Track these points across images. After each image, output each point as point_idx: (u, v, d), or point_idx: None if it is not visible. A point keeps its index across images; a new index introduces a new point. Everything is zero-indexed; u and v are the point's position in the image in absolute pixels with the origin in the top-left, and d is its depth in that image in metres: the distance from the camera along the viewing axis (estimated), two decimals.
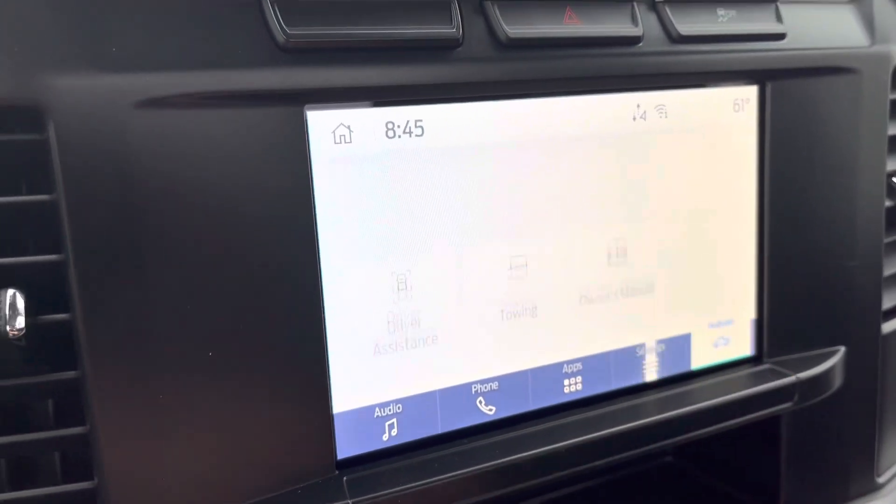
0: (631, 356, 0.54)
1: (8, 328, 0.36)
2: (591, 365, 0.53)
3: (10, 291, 0.36)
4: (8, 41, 0.36)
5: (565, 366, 0.52)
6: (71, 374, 0.38)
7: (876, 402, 0.64)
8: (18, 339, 0.36)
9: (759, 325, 0.59)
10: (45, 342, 0.38)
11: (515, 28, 0.45)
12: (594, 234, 0.51)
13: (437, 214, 0.46)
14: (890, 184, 0.64)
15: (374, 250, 0.44)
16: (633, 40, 0.49)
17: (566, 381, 0.52)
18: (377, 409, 0.46)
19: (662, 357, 0.55)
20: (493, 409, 0.50)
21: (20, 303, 0.36)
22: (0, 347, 0.36)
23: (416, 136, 0.45)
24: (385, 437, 0.47)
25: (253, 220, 0.40)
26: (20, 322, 0.36)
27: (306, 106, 0.41)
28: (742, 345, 0.59)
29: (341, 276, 0.44)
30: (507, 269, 0.48)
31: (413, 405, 0.47)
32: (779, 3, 0.55)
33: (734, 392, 0.55)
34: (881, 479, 0.66)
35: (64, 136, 0.36)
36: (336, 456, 0.45)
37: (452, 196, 0.46)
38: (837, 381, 0.60)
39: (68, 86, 0.36)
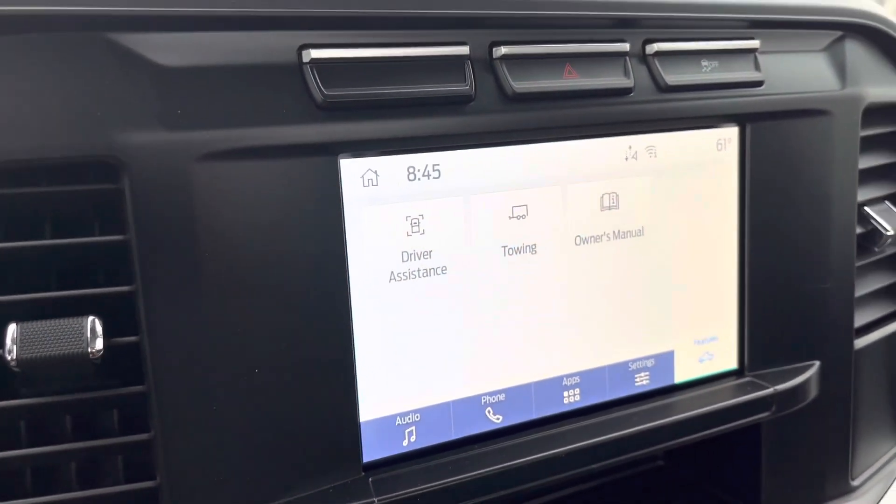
0: (624, 370, 0.60)
1: (89, 350, 0.42)
2: (587, 378, 0.59)
3: (91, 318, 0.42)
4: (89, 103, 0.42)
5: (565, 379, 0.58)
6: (138, 388, 0.44)
7: (850, 412, 0.70)
8: (96, 359, 0.42)
9: (741, 341, 0.65)
10: (116, 361, 0.44)
11: (521, 83, 0.52)
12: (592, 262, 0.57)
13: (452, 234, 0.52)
14: (861, 212, 0.70)
15: (396, 274, 0.51)
16: (626, 91, 0.56)
17: (566, 393, 0.58)
18: (398, 417, 0.52)
19: (652, 371, 0.62)
20: (500, 417, 0.56)
21: (99, 328, 0.42)
22: (80, 366, 0.42)
23: (434, 178, 0.51)
24: (405, 442, 0.53)
25: (294, 254, 0.46)
26: (99, 344, 0.42)
27: (340, 155, 0.48)
28: (725, 360, 0.65)
29: (369, 299, 0.50)
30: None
31: (429, 414, 0.53)
32: (757, 53, 0.61)
33: (717, 402, 0.61)
34: (855, 482, 0.72)
35: (136, 185, 0.42)
36: (363, 459, 0.51)
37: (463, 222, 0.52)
38: (813, 393, 0.66)
39: (140, 142, 0.42)
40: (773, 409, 0.63)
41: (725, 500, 0.71)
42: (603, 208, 0.57)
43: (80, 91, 0.42)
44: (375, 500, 0.48)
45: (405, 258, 0.51)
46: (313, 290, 0.47)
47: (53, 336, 0.41)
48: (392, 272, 0.51)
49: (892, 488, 0.75)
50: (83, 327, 0.42)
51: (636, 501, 0.72)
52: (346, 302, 0.49)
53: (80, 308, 0.43)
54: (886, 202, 0.73)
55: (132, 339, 0.44)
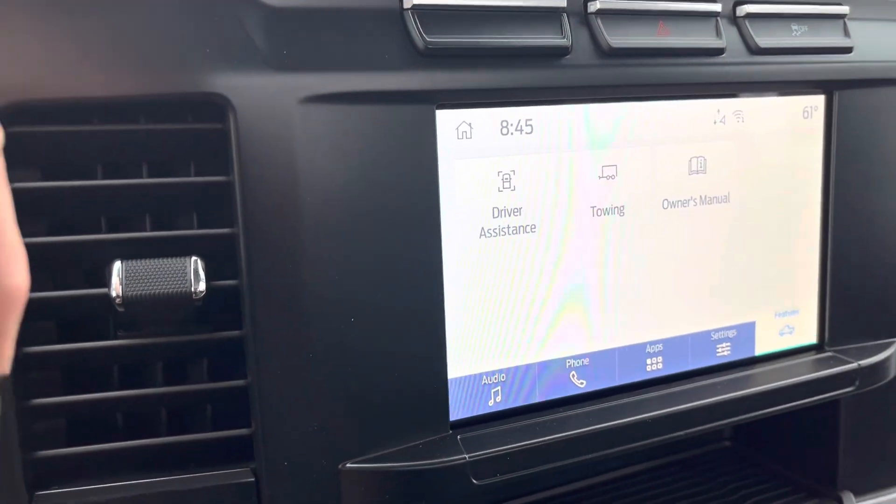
0: (706, 339, 0.59)
1: (192, 290, 0.41)
2: (670, 346, 0.58)
3: (194, 258, 0.42)
4: (198, 41, 0.42)
5: (648, 346, 0.57)
6: (236, 332, 0.44)
7: None
8: (198, 300, 0.42)
9: (822, 315, 0.64)
10: (212, 307, 0.44)
11: (616, 38, 0.51)
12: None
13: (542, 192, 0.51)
14: None
15: (487, 230, 0.50)
16: (718, 51, 0.55)
17: (648, 360, 0.57)
18: (485, 376, 0.51)
19: (734, 342, 0.60)
20: (584, 382, 0.55)
21: (201, 269, 0.42)
22: (182, 307, 0.42)
23: (527, 132, 0.50)
24: (491, 402, 0.52)
25: (390, 204, 0.46)
26: (202, 285, 0.42)
27: (436, 105, 0.47)
28: (806, 334, 0.64)
29: (460, 254, 0.49)
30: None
31: (515, 375, 0.52)
32: (846, 20, 0.60)
33: (800, 375, 0.60)
34: None
35: (241, 125, 0.42)
36: (450, 417, 0.50)
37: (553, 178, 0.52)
38: (894, 370, 0.65)
39: (247, 83, 0.42)
40: (857, 384, 0.61)
41: (797, 481, 0.69)
42: (691, 172, 0.56)
43: (188, 28, 0.41)
44: (466, 457, 0.47)
45: (496, 214, 0.50)
46: (407, 241, 0.47)
47: (158, 275, 0.41)
48: (483, 228, 0.50)
49: None
50: (187, 267, 0.41)
51: (705, 481, 0.71)
52: (439, 255, 0.48)
53: (179, 250, 0.43)
54: None
55: (232, 282, 0.43)
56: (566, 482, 0.69)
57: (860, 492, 0.66)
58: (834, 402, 0.65)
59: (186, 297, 0.41)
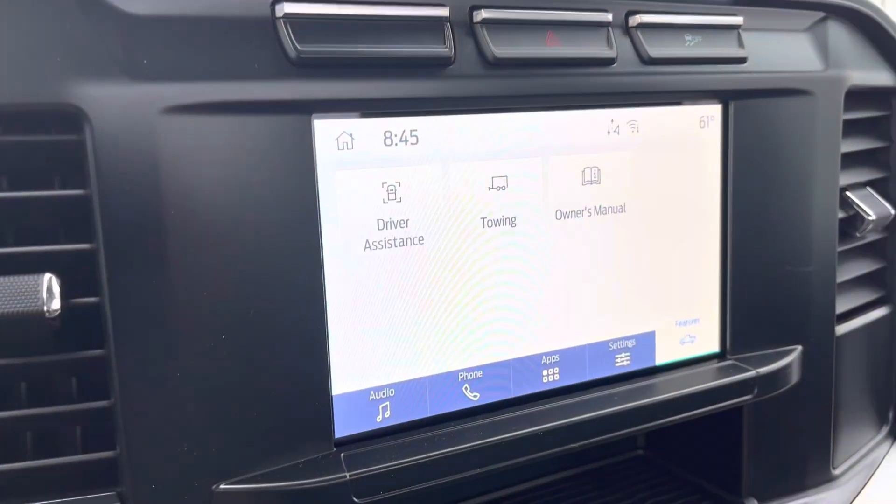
0: (604, 350, 0.59)
1: (45, 309, 0.40)
2: (567, 357, 0.57)
3: (48, 276, 0.40)
4: (50, 49, 0.40)
5: (544, 357, 0.56)
6: (98, 352, 0.42)
7: (831, 399, 0.69)
8: (53, 319, 0.40)
9: (723, 323, 0.64)
10: (75, 323, 0.42)
11: (501, 48, 0.50)
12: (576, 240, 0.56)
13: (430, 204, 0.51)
14: (843, 197, 0.69)
15: (371, 243, 0.49)
16: (608, 61, 0.55)
17: (545, 372, 0.57)
18: (372, 392, 0.50)
19: (633, 352, 0.60)
20: (478, 395, 0.54)
21: (56, 287, 0.40)
22: (36, 327, 0.40)
23: (412, 144, 0.50)
24: (379, 418, 0.51)
25: (264, 216, 0.45)
26: (56, 304, 0.40)
27: (313, 115, 0.46)
28: (707, 342, 0.64)
29: (343, 267, 0.48)
30: None
31: (405, 390, 0.52)
32: (741, 31, 0.61)
33: (699, 384, 0.60)
34: (837, 471, 0.71)
35: (99, 137, 0.40)
36: (334, 435, 0.49)
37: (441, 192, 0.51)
38: (794, 377, 0.65)
39: (103, 92, 0.40)
40: (756, 392, 0.62)
41: (705, 488, 0.70)
42: (584, 182, 0.56)
43: (41, 36, 0.40)
44: (347, 475, 0.46)
45: (381, 226, 0.49)
46: (284, 255, 0.46)
47: (7, 293, 0.39)
48: (367, 240, 0.49)
49: (873, 478, 0.74)
50: (39, 285, 0.40)
51: (616, 490, 0.71)
52: (319, 269, 0.47)
53: (38, 267, 0.41)
54: (868, 188, 0.73)
55: (92, 300, 0.42)
56: (477, 494, 0.69)
57: (764, 498, 0.67)
58: (737, 411, 0.65)
59: (39, 316, 0.39)
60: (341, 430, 0.49)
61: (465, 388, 0.54)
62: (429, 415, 0.53)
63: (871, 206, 0.70)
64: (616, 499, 0.69)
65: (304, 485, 0.46)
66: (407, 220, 0.50)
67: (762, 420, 0.66)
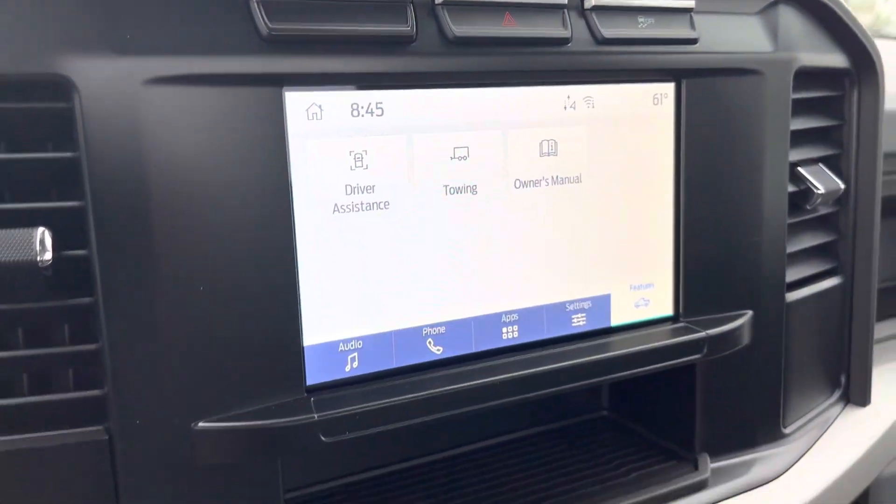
0: (561, 310, 0.63)
1: (38, 259, 0.44)
2: (526, 316, 0.62)
3: (41, 229, 0.44)
4: (43, 23, 0.44)
5: (503, 315, 0.61)
6: (86, 300, 0.47)
7: (781, 361, 0.74)
8: (45, 269, 0.45)
9: (677, 289, 0.68)
10: (66, 274, 0.47)
11: (461, 28, 0.55)
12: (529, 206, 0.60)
13: (395, 171, 0.55)
14: (794, 172, 0.73)
15: (340, 206, 0.53)
16: (563, 41, 0.59)
17: (504, 329, 0.61)
18: (341, 343, 0.55)
19: (589, 313, 0.65)
20: (441, 349, 0.59)
21: (48, 239, 0.45)
22: (30, 276, 0.45)
23: (378, 115, 0.54)
24: (348, 368, 0.55)
25: (239, 181, 0.49)
26: (48, 255, 0.44)
27: (284, 87, 0.50)
28: (661, 306, 0.68)
29: (313, 228, 0.53)
30: None
31: (372, 342, 0.56)
32: (692, 13, 0.65)
33: (650, 343, 0.64)
34: (787, 430, 0.76)
35: (87, 105, 0.45)
36: (306, 382, 0.54)
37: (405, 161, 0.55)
38: (745, 340, 0.69)
39: (91, 65, 0.45)
40: (705, 351, 0.66)
41: (662, 445, 0.74)
42: (542, 154, 0.61)
43: (34, 11, 0.44)
44: (315, 416, 0.51)
45: (349, 191, 0.54)
46: (258, 216, 0.50)
47: (4, 244, 0.43)
48: (336, 204, 0.53)
49: (822, 437, 0.78)
50: (33, 237, 0.44)
51: (580, 448, 0.75)
52: (290, 230, 0.51)
53: (32, 222, 0.45)
54: (820, 164, 0.77)
55: (81, 252, 0.46)
56: (445, 449, 0.73)
57: (715, 453, 0.71)
58: (691, 372, 0.69)
59: (33, 266, 0.44)
60: (312, 377, 0.54)
61: (430, 343, 0.58)
62: (395, 366, 0.57)
63: (821, 181, 0.74)
64: (581, 457, 0.73)
65: (276, 423, 0.50)
66: (373, 186, 0.55)
67: (714, 381, 0.70)
